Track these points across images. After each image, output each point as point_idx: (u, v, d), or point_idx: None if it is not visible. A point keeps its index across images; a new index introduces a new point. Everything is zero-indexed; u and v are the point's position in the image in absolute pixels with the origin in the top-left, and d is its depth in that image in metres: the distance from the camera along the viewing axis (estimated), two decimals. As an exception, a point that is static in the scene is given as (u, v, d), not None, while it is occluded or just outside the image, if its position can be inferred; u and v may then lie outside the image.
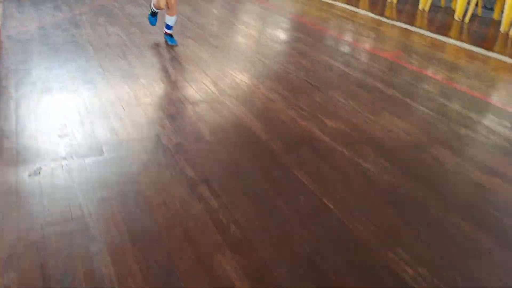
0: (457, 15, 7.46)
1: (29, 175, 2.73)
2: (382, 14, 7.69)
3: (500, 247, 2.35)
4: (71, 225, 2.33)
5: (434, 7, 8.19)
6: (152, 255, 2.18)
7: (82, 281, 2.00)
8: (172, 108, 3.78)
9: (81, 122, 3.42)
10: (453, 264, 2.22)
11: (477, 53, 5.76)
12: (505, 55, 5.73)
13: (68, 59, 4.77)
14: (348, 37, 6.48)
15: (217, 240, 2.31)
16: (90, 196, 2.58)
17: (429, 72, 5.00)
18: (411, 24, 7.14)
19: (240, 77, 4.53)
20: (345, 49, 5.91)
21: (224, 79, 4.45)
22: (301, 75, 4.65)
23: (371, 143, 3.33)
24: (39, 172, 2.76)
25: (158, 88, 4.22)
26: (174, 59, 4.98)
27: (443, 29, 7.00)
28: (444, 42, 6.23)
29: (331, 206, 2.61)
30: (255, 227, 2.41)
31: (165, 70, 4.71)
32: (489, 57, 5.65)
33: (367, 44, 6.08)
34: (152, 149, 3.15)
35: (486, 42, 6.50)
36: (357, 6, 8.21)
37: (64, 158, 2.93)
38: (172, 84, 4.36)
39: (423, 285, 2.08)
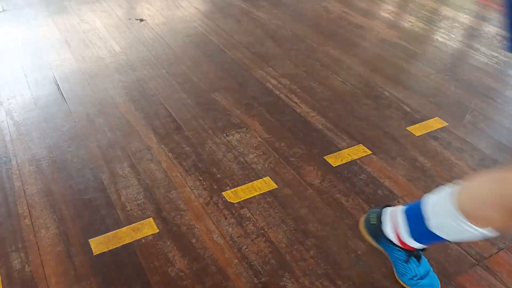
0: None
1: None
2: None
3: (360, 64, 2.64)
4: None
5: None
6: (40, 70, 2.35)
7: None
8: None
9: None
10: (313, 75, 2.50)
11: None
12: None
13: None
14: None
15: (102, 64, 2.49)
16: None
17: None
18: None
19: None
20: None
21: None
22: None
23: (269, -1, 3.51)
24: None
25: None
26: None
27: None
28: None
29: (216, 41, 2.81)
30: (139, 57, 2.60)
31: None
32: None
33: None
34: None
35: None
36: None
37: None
38: None
39: (282, 90, 2.36)
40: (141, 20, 3.04)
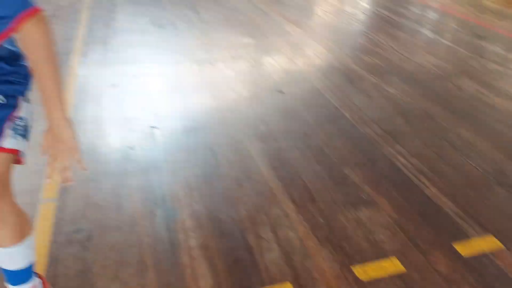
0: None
1: (110, 86, 3.49)
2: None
3: (494, 149, 2.65)
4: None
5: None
6: (198, 134, 2.81)
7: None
8: (231, 50, 4.38)
9: (150, 54, 4.14)
10: (443, 157, 2.59)
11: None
12: None
13: (146, 9, 5.54)
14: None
15: (248, 133, 2.87)
16: (153, 100, 3.28)
17: (473, 19, 5.07)
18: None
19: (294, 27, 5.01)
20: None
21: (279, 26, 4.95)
22: (350, 21, 5.02)
23: (399, 74, 3.67)
24: (117, 85, 3.51)
25: (220, 32, 4.83)
26: (237, 10, 5.55)
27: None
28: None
29: (347, 115, 3.05)
30: (279, 127, 2.94)
31: (228, 20, 5.30)
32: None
33: None
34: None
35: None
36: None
37: (135, 76, 3.66)
38: (231, 29, 4.95)
39: (411, 170, 2.48)
40: (281, 92, 3.42)
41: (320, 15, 5.57)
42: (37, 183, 2.34)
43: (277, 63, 3.99)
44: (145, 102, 3.26)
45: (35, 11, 1.18)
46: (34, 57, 1.21)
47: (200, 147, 2.72)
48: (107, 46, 4.30)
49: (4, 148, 1.34)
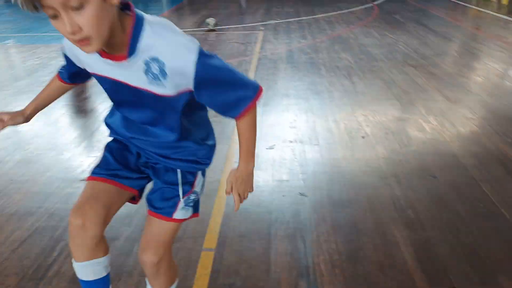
0: None
1: (266, 148, 3.82)
2: None
3: None
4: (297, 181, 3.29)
5: None
6: (343, 209, 2.91)
7: (290, 217, 2.87)
8: (389, 123, 4.45)
9: (306, 120, 4.42)
10: None
11: None
12: None
13: (304, 75, 5.96)
14: None
15: (394, 216, 2.87)
16: (304, 167, 3.49)
17: None
18: None
19: (450, 102, 4.88)
20: None
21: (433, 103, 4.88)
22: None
23: None
24: (273, 148, 3.83)
25: (374, 104, 4.94)
26: (392, 82, 5.62)
27: None
28: None
29: (507, 215, 2.84)
30: (428, 215, 2.87)
31: (383, 92, 5.39)
32: None
33: None
34: (355, 144, 3.90)
35: None
36: None
37: (291, 142, 3.95)
38: (385, 102, 5.01)
39: None
40: (434, 176, 3.36)
41: (479, 94, 5.31)
42: (201, 231, 2.68)
43: (430, 144, 3.91)
44: (297, 168, 3.49)
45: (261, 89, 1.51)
46: (246, 124, 1.53)
47: (345, 223, 2.81)
48: (267, 108, 4.74)
49: (175, 219, 1.64)
